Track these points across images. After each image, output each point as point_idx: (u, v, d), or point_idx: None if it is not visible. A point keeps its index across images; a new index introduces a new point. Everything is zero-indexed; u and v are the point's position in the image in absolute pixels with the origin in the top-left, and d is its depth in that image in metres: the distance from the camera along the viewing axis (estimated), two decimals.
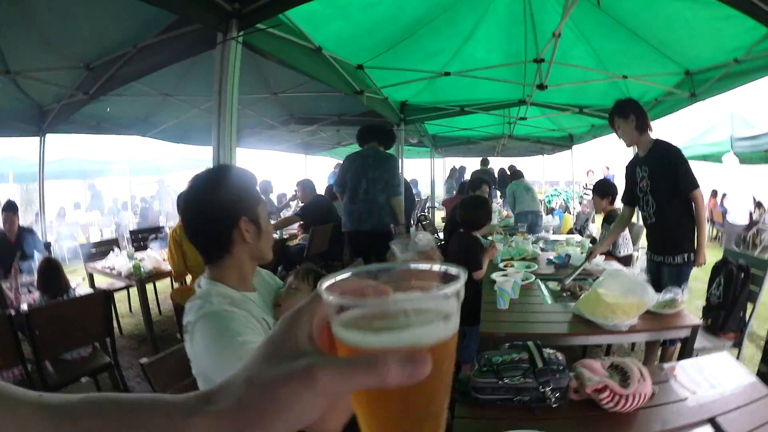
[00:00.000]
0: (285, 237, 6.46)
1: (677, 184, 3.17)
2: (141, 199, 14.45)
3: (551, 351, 1.66)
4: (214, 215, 1.35)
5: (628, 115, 3.34)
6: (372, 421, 0.36)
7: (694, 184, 3.17)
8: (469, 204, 3.67)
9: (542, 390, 1.55)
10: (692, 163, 3.27)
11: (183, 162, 13.39)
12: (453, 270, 0.36)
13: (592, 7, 3.41)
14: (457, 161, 13.18)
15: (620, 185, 7.06)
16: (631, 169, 3.58)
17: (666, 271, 3.30)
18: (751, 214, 11.16)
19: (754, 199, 11.89)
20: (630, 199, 3.68)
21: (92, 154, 11.46)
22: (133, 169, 12.78)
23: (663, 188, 3.27)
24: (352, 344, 0.34)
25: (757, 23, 2.76)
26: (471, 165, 10.07)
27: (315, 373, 0.32)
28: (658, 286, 2.96)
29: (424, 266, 0.38)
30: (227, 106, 2.48)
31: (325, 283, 0.35)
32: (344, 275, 0.37)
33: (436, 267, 0.38)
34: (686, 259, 3.23)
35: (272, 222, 5.52)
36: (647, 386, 1.58)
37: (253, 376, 0.34)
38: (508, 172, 9.77)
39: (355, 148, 4.76)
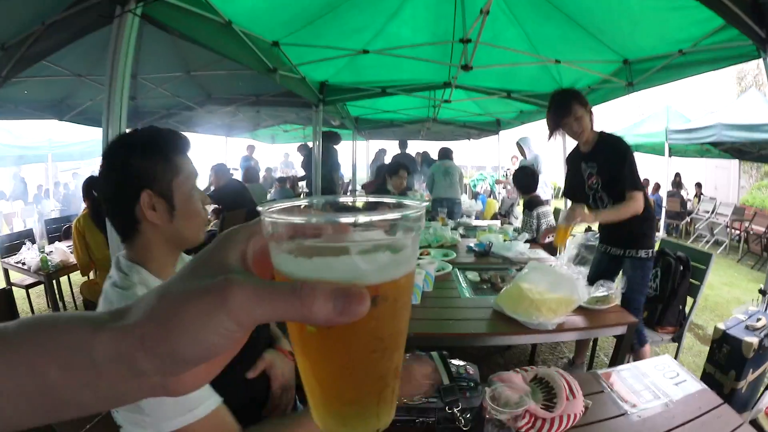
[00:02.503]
0: None
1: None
2: (63, 185, 13.55)
3: (461, 364, 1.37)
4: (113, 184, 1.14)
5: (586, 104, 2.90)
6: (311, 381, 0.32)
7: (636, 185, 2.81)
8: None
9: (449, 411, 1.26)
10: None
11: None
12: (409, 201, 0.32)
13: None
14: (380, 144, 12.83)
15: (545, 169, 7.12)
16: (573, 165, 3.15)
17: (629, 263, 2.96)
18: (684, 203, 11.57)
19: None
20: (574, 197, 3.24)
21: (14, 138, 10.74)
22: (55, 155, 11.94)
23: (617, 182, 2.87)
24: (282, 269, 0.31)
25: (709, 16, 2.68)
26: (394, 148, 9.86)
27: (229, 291, 0.28)
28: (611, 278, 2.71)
29: (386, 199, 0.35)
30: (118, 84, 2.36)
31: (268, 205, 0.32)
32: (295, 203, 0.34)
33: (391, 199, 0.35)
34: (649, 254, 2.93)
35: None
36: (577, 404, 1.34)
37: (167, 290, 0.31)
38: (432, 156, 9.73)
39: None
